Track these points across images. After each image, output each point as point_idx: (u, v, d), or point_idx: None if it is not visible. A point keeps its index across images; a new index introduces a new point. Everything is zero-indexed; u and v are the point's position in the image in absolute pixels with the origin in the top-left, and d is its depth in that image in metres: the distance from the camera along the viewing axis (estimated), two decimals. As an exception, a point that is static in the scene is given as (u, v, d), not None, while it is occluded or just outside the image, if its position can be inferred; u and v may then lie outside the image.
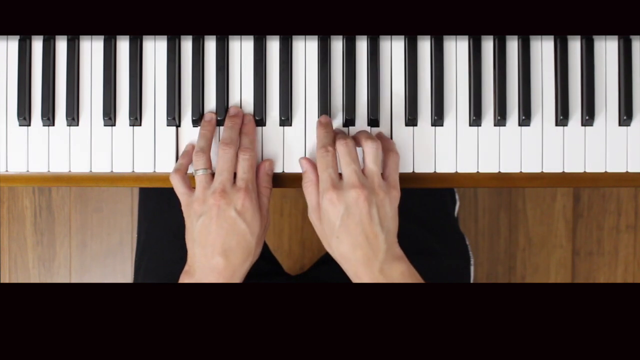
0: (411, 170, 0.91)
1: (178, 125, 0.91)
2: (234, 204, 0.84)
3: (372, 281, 0.83)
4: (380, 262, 0.83)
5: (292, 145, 0.91)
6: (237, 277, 0.86)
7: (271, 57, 0.91)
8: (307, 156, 0.90)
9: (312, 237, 1.69)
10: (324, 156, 0.85)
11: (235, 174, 0.86)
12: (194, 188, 0.87)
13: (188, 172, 0.89)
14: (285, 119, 0.90)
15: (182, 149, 0.91)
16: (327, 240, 0.85)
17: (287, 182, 0.91)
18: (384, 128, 0.91)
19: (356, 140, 0.87)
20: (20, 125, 0.90)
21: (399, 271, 0.83)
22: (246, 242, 0.85)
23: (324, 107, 0.90)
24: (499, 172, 0.91)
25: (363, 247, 0.82)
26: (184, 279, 0.87)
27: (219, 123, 0.90)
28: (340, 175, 0.85)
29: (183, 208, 0.88)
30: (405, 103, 0.91)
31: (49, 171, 0.90)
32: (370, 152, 0.84)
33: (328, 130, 0.87)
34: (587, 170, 0.91)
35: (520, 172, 0.91)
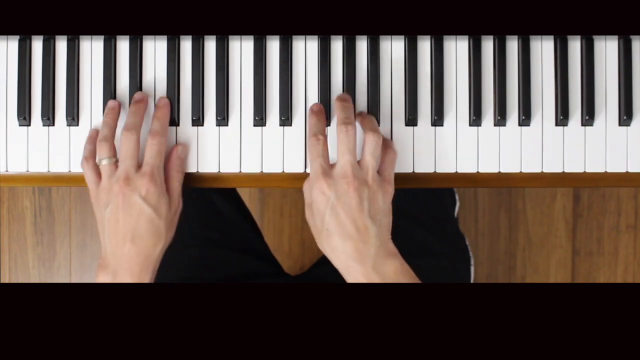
0: (411, 170, 0.91)
1: (177, 125, 0.91)
2: (138, 190, 0.83)
3: (364, 278, 0.81)
4: (372, 258, 0.81)
5: (292, 145, 0.91)
6: (150, 262, 0.85)
7: (271, 57, 0.91)
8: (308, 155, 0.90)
9: (312, 237, 1.68)
10: (314, 145, 0.84)
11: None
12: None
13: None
14: (286, 119, 0.90)
15: (182, 149, 0.91)
16: (319, 235, 0.84)
17: (287, 182, 0.91)
18: (384, 128, 0.91)
19: (359, 122, 0.86)
20: (20, 125, 0.90)
21: (393, 268, 0.82)
22: (154, 227, 0.84)
23: (324, 107, 0.90)
24: (499, 172, 0.91)
25: (354, 239, 0.81)
26: (99, 273, 0.86)
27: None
28: (333, 164, 0.84)
29: (92, 199, 0.87)
30: (405, 103, 0.91)
31: (49, 171, 0.90)
32: (370, 144, 0.83)
33: (320, 118, 0.87)
34: (587, 170, 0.91)
35: (520, 172, 0.91)
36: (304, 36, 0.91)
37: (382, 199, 0.83)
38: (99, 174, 0.86)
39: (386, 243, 0.83)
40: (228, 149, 0.91)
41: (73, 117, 0.90)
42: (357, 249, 0.81)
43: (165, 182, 0.87)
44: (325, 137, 0.85)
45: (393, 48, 0.91)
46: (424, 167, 0.91)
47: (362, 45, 0.91)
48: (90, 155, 0.87)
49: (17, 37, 0.90)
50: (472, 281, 1.18)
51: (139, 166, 0.85)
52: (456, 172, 0.91)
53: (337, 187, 0.81)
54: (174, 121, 0.90)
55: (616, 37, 0.91)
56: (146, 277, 0.85)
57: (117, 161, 0.85)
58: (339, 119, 0.85)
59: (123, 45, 0.91)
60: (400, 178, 0.87)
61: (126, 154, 0.84)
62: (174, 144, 0.90)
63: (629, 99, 0.90)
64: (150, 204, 0.84)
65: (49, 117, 0.90)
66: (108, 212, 0.84)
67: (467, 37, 0.91)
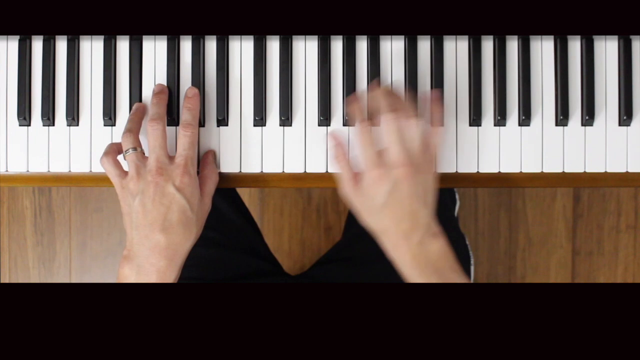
0: (411, 170, 0.91)
1: (178, 125, 0.90)
2: (172, 180, 0.83)
3: (410, 253, 0.82)
4: (420, 236, 0.83)
5: (292, 145, 0.91)
6: (178, 258, 0.84)
7: (271, 57, 0.91)
8: (307, 159, 0.90)
9: (312, 237, 1.69)
10: (365, 132, 0.84)
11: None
12: (127, 172, 0.85)
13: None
14: (286, 119, 0.90)
15: (182, 149, 0.90)
16: (366, 213, 0.84)
17: (287, 182, 0.91)
18: (384, 128, 0.91)
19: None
20: (20, 125, 0.90)
21: (437, 246, 0.83)
22: (187, 219, 0.83)
23: (324, 107, 0.90)
24: (499, 172, 0.91)
25: (406, 221, 0.82)
26: (124, 264, 0.84)
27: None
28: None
29: (117, 191, 0.85)
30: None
31: (49, 171, 0.91)
32: (415, 130, 0.83)
33: (359, 106, 0.87)
34: (587, 170, 0.91)
35: (520, 172, 0.91)
36: (304, 36, 0.91)
37: (432, 181, 0.84)
38: (121, 168, 0.85)
39: (432, 223, 0.84)
40: (228, 149, 0.91)
41: (73, 117, 0.90)
42: (407, 228, 0.82)
43: (201, 183, 0.87)
44: (370, 122, 0.84)
45: (393, 48, 0.91)
46: (424, 167, 0.91)
47: (362, 45, 0.91)
48: (111, 151, 0.86)
49: (17, 37, 0.90)
50: (472, 281, 1.18)
51: (170, 157, 0.84)
52: (456, 172, 0.91)
53: (393, 175, 0.82)
54: (174, 121, 0.90)
55: (616, 37, 0.91)
56: (172, 276, 0.83)
57: (142, 152, 0.85)
58: (383, 108, 0.84)
59: (123, 45, 0.91)
60: (400, 178, 0.87)
61: (155, 144, 0.84)
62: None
63: (629, 99, 0.90)
64: (184, 195, 0.83)
65: (49, 117, 0.90)
66: (137, 202, 0.83)
67: (467, 37, 0.91)
